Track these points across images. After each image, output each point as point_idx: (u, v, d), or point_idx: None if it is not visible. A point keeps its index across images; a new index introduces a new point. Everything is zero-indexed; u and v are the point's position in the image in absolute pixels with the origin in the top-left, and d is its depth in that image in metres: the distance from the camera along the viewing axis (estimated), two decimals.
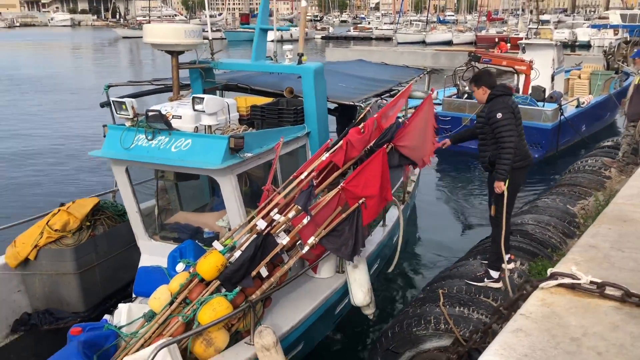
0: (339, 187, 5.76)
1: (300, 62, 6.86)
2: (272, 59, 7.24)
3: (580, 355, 3.06)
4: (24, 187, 14.16)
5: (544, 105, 16.19)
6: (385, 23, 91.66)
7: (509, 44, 36.67)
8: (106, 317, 5.83)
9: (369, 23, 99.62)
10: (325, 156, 5.88)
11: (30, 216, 7.34)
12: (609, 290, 3.65)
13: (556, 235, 7.93)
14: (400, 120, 6.23)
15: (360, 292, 6.43)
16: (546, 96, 17.10)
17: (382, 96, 8.24)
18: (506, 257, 6.13)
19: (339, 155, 5.84)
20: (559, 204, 9.26)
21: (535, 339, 3.23)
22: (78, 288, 7.00)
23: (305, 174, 5.77)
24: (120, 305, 5.69)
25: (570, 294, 3.73)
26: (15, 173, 15.54)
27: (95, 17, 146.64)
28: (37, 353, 6.48)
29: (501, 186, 5.80)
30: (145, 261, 6.58)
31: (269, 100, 7.73)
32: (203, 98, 5.65)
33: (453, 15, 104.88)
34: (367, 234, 7.27)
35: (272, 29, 7.21)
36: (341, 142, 5.87)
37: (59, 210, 7.14)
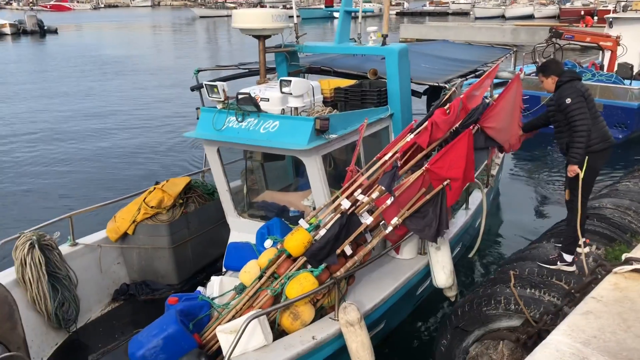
0: (424, 168, 5.77)
1: (384, 43, 6.87)
2: (355, 41, 7.29)
3: None
4: (120, 167, 15.09)
5: (630, 83, 15.25)
6: None
7: (595, 18, 34.27)
8: (199, 289, 6.18)
9: None
10: (409, 137, 5.89)
11: (128, 194, 7.86)
12: None
13: (636, 220, 7.70)
14: (487, 100, 6.11)
15: (443, 274, 6.45)
16: (634, 73, 16.14)
17: (467, 77, 8.09)
18: (581, 240, 6.05)
19: (423, 136, 5.84)
20: None
21: (605, 322, 3.19)
22: (172, 261, 7.45)
23: (389, 155, 5.81)
24: (212, 277, 6.02)
25: None
26: (110, 152, 16.57)
27: None
28: (135, 320, 6.96)
29: (575, 169, 5.75)
30: (234, 237, 6.88)
31: (351, 82, 7.80)
32: (290, 81, 5.80)
33: None
34: (451, 216, 7.22)
35: (357, 11, 7.24)
36: (426, 123, 5.86)
37: (155, 188, 7.60)
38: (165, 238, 7.34)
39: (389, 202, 5.59)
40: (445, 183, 5.78)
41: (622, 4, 23.46)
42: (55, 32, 62.09)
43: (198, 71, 8.39)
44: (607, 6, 30.13)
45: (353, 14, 7.39)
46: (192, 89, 8.18)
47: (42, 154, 16.48)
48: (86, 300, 6.98)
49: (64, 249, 6.97)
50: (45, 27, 61.83)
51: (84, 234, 7.49)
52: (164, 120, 20.47)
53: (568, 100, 5.69)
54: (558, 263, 6.24)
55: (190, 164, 14.16)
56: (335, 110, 6.75)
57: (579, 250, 6.19)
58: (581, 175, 5.77)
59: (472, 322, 5.74)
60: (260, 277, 5.46)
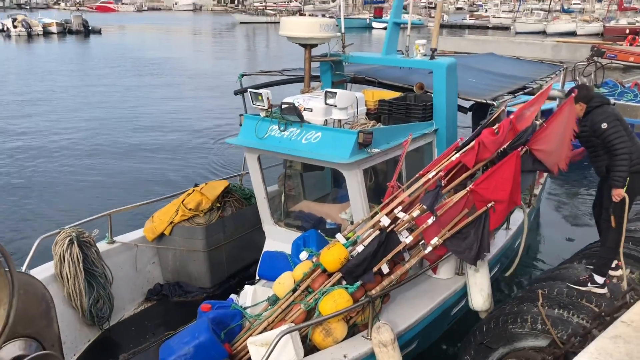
0: (468, 188, 5.61)
1: (432, 57, 6.73)
2: (403, 53, 7.17)
3: None
4: (159, 167, 15.26)
5: None
6: (503, 11, 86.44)
7: None
8: (232, 296, 6.15)
9: (486, 11, 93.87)
10: (455, 156, 5.74)
11: (166, 194, 7.91)
12: None
13: None
14: (537, 122, 5.90)
15: (480, 297, 6.29)
16: None
17: (516, 94, 7.85)
18: (621, 263, 6.07)
19: (469, 155, 5.67)
20: None
21: (634, 347, 3.15)
22: (206, 265, 7.46)
23: (432, 173, 5.67)
24: (246, 286, 5.98)
25: None
26: (150, 152, 16.80)
27: (215, 2, 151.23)
28: (167, 321, 6.99)
29: (620, 193, 5.77)
30: (269, 245, 6.84)
31: (396, 94, 7.67)
32: (335, 92, 5.72)
33: (579, 4, 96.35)
34: (492, 238, 7.03)
35: (405, 22, 7.12)
36: (473, 142, 5.70)
37: (193, 190, 7.63)
38: (201, 241, 7.35)
39: (430, 221, 5.45)
40: (489, 205, 5.61)
41: None
42: (99, 32, 63.63)
43: (242, 75, 8.38)
44: None
45: (401, 25, 7.28)
46: (236, 93, 8.17)
47: (84, 152, 16.77)
48: (120, 299, 7.04)
49: (102, 246, 7.05)
50: (90, 27, 63.39)
51: (123, 232, 7.57)
52: (204, 123, 20.64)
53: (604, 125, 5.75)
54: (588, 284, 6.16)
55: (228, 167, 14.25)
56: (379, 123, 6.64)
57: (611, 272, 6.21)
58: (627, 199, 5.77)
59: (497, 340, 5.68)
60: (294, 290, 5.39)
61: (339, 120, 5.92)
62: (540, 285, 6.39)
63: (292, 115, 5.76)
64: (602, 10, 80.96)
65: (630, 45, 30.02)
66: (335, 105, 5.76)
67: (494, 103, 6.77)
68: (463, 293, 6.50)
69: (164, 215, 7.47)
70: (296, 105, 6.00)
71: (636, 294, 3.93)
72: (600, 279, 6.14)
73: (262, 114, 6.15)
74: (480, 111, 7.47)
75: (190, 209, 7.35)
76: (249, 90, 6.12)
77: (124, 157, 16.27)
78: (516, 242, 8.27)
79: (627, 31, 47.41)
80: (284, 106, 5.82)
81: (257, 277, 6.55)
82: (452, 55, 12.28)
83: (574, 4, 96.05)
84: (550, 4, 76.41)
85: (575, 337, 4.98)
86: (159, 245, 7.53)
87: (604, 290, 6.08)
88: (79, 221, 6.88)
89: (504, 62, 11.45)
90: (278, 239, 6.73)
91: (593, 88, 6.52)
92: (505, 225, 8.06)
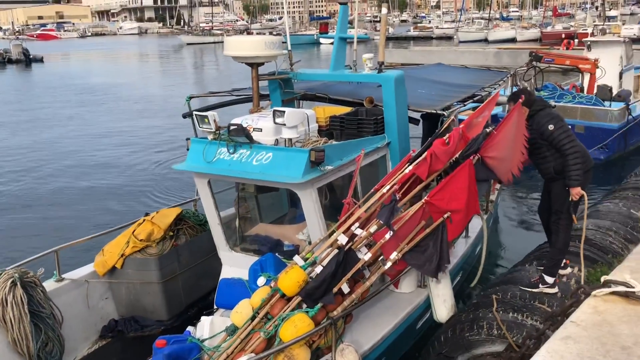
0: (423, 201, 5.55)
1: (380, 70, 6.69)
2: (351, 68, 7.12)
3: None
4: (109, 197, 14.66)
5: (610, 105, 15.57)
6: (446, 22, 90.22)
7: (576, 40, 35.06)
8: (189, 329, 5.88)
9: (430, 22, 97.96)
10: (408, 168, 5.67)
11: (116, 225, 7.59)
12: None
13: (617, 241, 7.76)
14: (487, 130, 5.91)
15: (444, 308, 6.22)
16: (614, 95, 16.36)
17: (466, 102, 7.90)
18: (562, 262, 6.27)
19: (422, 167, 5.62)
20: (622, 208, 9.00)
21: (584, 347, 3.18)
22: (162, 297, 7.16)
23: (387, 187, 5.58)
24: (203, 318, 5.73)
25: (624, 302, 3.66)
26: (97, 183, 16.14)
27: (161, 24, 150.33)
28: (125, 358, 6.69)
29: (579, 191, 5.86)
30: (226, 272, 6.62)
31: (347, 109, 7.60)
32: (284, 111, 5.60)
33: (517, 11, 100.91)
34: (452, 248, 7.00)
35: (351, 37, 7.07)
36: (425, 154, 5.65)
37: (144, 220, 7.34)
38: (155, 272, 7.06)
39: (387, 236, 5.35)
40: (445, 216, 5.56)
41: (600, 27, 23.90)
42: (41, 60, 61.67)
43: (190, 98, 8.16)
44: (586, 30, 30.85)
45: (348, 40, 7.23)
46: (184, 116, 7.95)
47: (23, 186, 15.95)
48: (72, 339, 6.67)
49: (49, 285, 6.68)
50: (31, 56, 61.23)
51: (72, 268, 7.21)
52: (153, 149, 19.99)
53: (551, 127, 5.83)
54: (540, 286, 6.24)
55: (180, 193, 13.77)
56: (331, 139, 6.55)
57: (560, 271, 6.37)
58: (585, 197, 5.90)
59: (456, 348, 5.69)
60: (252, 318, 5.18)
61: (290, 139, 5.79)
62: (494, 290, 6.44)
63: (240, 137, 5.60)
64: (539, 17, 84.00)
65: (567, 49, 31.35)
66: (285, 124, 5.63)
67: (444, 113, 6.77)
68: (427, 306, 6.42)
69: (114, 247, 7.16)
70: (245, 125, 5.85)
71: (584, 292, 3.94)
72: (550, 279, 6.23)
73: (210, 137, 5.96)
74: (430, 122, 7.48)
75: (141, 240, 7.07)
76: (194, 113, 5.93)
77: (68, 189, 15.53)
78: (476, 250, 8.28)
79: (563, 36, 49.19)
80: (231, 128, 5.65)
81: (215, 307, 6.31)
82: (400, 67, 12.40)
83: (513, 11, 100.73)
84: (490, 13, 79.34)
85: (530, 340, 5.01)
86: (110, 280, 7.19)
87: (555, 290, 6.18)
88: (22, 261, 6.51)
89: (452, 72, 11.59)
90: (235, 265, 6.51)
91: (534, 92, 6.63)
92: (464, 234, 8.07)
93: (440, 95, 8.35)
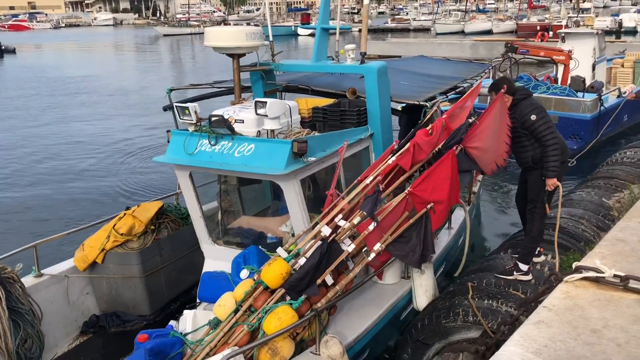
0: (406, 191, 5.54)
1: (362, 61, 6.65)
2: (333, 59, 7.07)
3: (600, 347, 3.10)
4: (88, 192, 14.41)
5: (583, 96, 15.89)
6: (423, 14, 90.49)
7: (550, 32, 35.56)
8: (172, 323, 5.82)
9: (407, 14, 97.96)
10: (391, 159, 5.66)
11: (97, 220, 7.47)
12: (632, 284, 3.68)
13: (589, 228, 7.95)
14: (470, 120, 5.91)
15: (425, 298, 6.31)
16: (587, 86, 16.70)
17: (448, 94, 7.90)
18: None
19: (405, 158, 5.60)
20: (594, 197, 9.21)
21: (555, 331, 3.27)
22: (143, 291, 7.07)
23: (370, 178, 5.56)
24: (185, 311, 5.67)
25: (594, 287, 3.78)
26: (77, 177, 15.83)
27: (136, 15, 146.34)
28: (106, 354, 6.59)
29: (555, 182, 5.95)
30: (209, 266, 6.55)
31: (330, 101, 7.56)
32: (265, 102, 5.53)
33: (493, 4, 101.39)
34: (435, 238, 7.02)
35: (333, 28, 7.02)
36: (408, 144, 5.63)
37: (125, 214, 7.23)
38: (136, 267, 6.96)
39: (371, 227, 5.33)
40: (429, 206, 5.56)
41: (574, 19, 24.27)
42: (13, 51, 60.44)
43: (171, 90, 8.07)
44: (561, 22, 31.50)
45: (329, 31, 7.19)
46: (165, 109, 7.83)
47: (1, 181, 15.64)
48: (52, 335, 6.57)
49: (28, 280, 6.58)
50: (3, 47, 59.68)
51: (52, 263, 7.08)
52: (133, 142, 19.59)
53: (533, 117, 5.85)
54: (514, 273, 6.33)
55: (162, 186, 13.55)
56: (314, 131, 6.51)
57: (534, 259, 6.49)
58: (561, 188, 6.03)
59: (432, 335, 5.79)
60: (236, 311, 5.14)
61: (272, 131, 5.73)
62: (470, 277, 6.54)
63: (221, 128, 5.53)
64: (515, 9, 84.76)
65: (542, 41, 32.07)
66: (267, 115, 5.57)
67: (427, 104, 6.76)
68: (410, 297, 6.44)
69: (94, 242, 7.03)
70: (226, 117, 5.77)
71: (556, 278, 4.08)
72: (524, 267, 6.33)
73: (191, 129, 5.88)
74: (412, 113, 7.47)
75: (122, 234, 6.95)
76: (175, 104, 5.84)
77: (46, 183, 15.22)
78: (459, 241, 8.31)
79: (538, 28, 49.82)
80: (213, 119, 5.58)
81: (197, 300, 6.25)
82: (378, 59, 12.38)
83: (489, 3, 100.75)
84: (466, 5, 79.90)
85: (504, 326, 5.13)
86: (91, 275, 7.08)
87: (529, 277, 6.28)
88: (0, 256, 6.37)
89: (434, 64, 11.60)
90: (218, 258, 6.45)
91: (513, 81, 6.69)
92: (447, 225, 8.10)
93: (422, 87, 8.34)
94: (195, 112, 5.74)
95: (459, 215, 8.38)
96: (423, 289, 6.31)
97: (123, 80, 38.15)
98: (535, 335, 3.24)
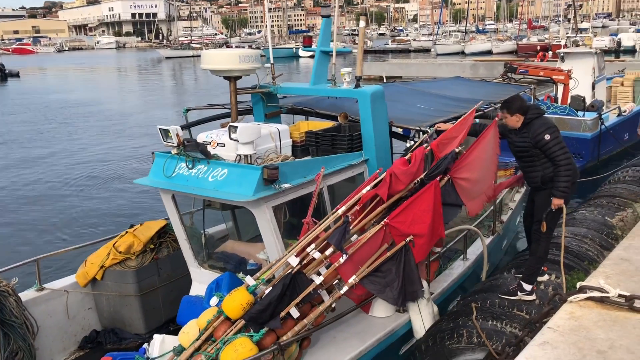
0: (382, 223, 5.26)
1: (357, 85, 6.45)
2: (332, 82, 6.91)
3: None
4: (95, 209, 14.70)
5: (584, 115, 15.97)
6: (423, 35, 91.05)
7: (550, 53, 34.98)
8: (145, 346, 5.80)
9: (407, 35, 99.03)
10: (366, 190, 5.40)
11: (101, 237, 7.63)
12: (637, 303, 3.62)
13: (593, 247, 7.89)
14: (456, 150, 5.56)
15: (423, 331, 6.03)
16: (587, 105, 16.64)
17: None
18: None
19: (382, 188, 5.33)
20: (597, 215, 9.10)
21: (561, 352, 3.23)
22: (139, 310, 7.10)
23: (343, 208, 5.32)
24: (155, 336, 5.64)
25: (599, 307, 3.74)
26: (87, 194, 16.19)
27: (139, 39, 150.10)
28: None
29: (561, 203, 5.83)
30: (195, 289, 6.53)
31: (332, 124, 7.39)
32: (237, 127, 5.45)
33: (493, 24, 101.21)
34: (433, 276, 6.69)
35: (332, 51, 6.88)
36: (384, 174, 5.36)
37: (127, 232, 7.34)
38: (132, 285, 7.02)
39: (342, 260, 5.09)
40: (407, 240, 5.24)
41: (572, 39, 24.32)
42: (17, 75, 61.49)
43: (187, 110, 8.20)
44: (560, 41, 30.79)
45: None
46: (182, 128, 7.94)
47: (9, 196, 16.12)
48: (47, 349, 6.71)
49: (29, 294, 6.75)
50: (7, 71, 60.77)
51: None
52: (146, 161, 19.19)
53: (547, 137, 5.70)
54: (518, 293, 6.23)
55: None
56: (308, 155, 6.36)
57: (538, 279, 6.38)
58: (564, 209, 5.89)
59: (437, 357, 5.68)
60: (197, 340, 5.03)
61: (245, 156, 5.63)
62: (473, 298, 6.45)
63: (194, 152, 5.49)
64: (514, 30, 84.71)
65: (542, 61, 31.84)
66: (238, 140, 5.48)
67: (428, 130, 6.44)
68: (407, 330, 6.13)
69: (95, 258, 7.17)
70: (209, 140, 5.75)
71: (561, 299, 3.99)
72: (528, 287, 6.21)
73: (173, 152, 5.89)
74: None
75: (120, 252, 7.05)
76: (158, 127, 5.87)
77: (59, 200, 15.63)
78: (480, 273, 7.84)
79: (538, 48, 50.19)
80: (186, 143, 5.56)
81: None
82: (380, 81, 12.06)
83: (488, 24, 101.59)
84: (466, 26, 79.70)
85: (509, 347, 5.04)
86: (91, 291, 7.22)
87: (533, 297, 6.19)
88: (1, 269, 6.61)
89: (467, 86, 11.18)
90: (203, 281, 6.40)
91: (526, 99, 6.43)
92: (462, 256, 7.70)
93: (438, 110, 8.01)
94: (177, 135, 5.75)
95: (479, 246, 7.93)
96: (419, 319, 6.05)
97: (128, 102, 38.52)
98: (541, 356, 3.23)
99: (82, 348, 7.13)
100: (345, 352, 5.48)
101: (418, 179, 5.44)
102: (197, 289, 6.44)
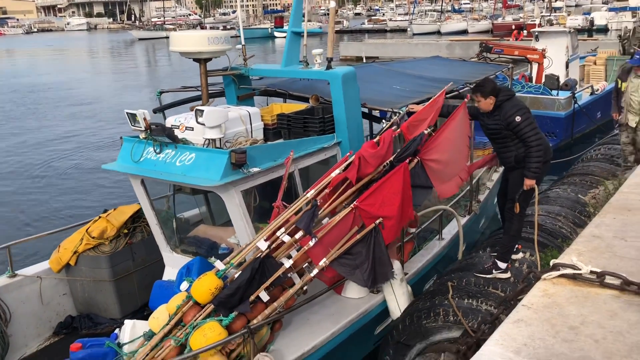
0: (352, 205, 5.25)
1: (329, 67, 6.39)
2: (303, 64, 6.83)
3: (578, 343, 3.13)
4: (69, 194, 14.53)
5: (557, 94, 16.12)
6: (399, 14, 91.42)
7: (525, 31, 35.22)
8: (116, 331, 5.79)
9: (383, 15, 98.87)
10: (335, 173, 5.38)
11: (75, 222, 7.56)
12: (608, 279, 3.69)
13: (566, 225, 7.97)
14: (425, 131, 5.54)
15: (398, 311, 6.09)
16: (560, 84, 16.82)
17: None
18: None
19: (351, 171, 5.32)
20: (570, 193, 9.25)
21: (535, 329, 3.30)
22: (114, 295, 7.08)
23: (312, 192, 5.31)
24: (126, 321, 5.62)
25: (572, 284, 3.79)
26: (60, 179, 16.00)
27: (110, 20, 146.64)
28: None
29: (532, 184, 5.89)
30: (168, 274, 6.51)
31: (306, 106, 7.33)
32: (203, 110, 5.39)
33: (469, 4, 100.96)
34: (407, 257, 6.72)
35: (303, 32, 6.78)
36: (353, 157, 5.34)
37: (100, 217, 7.28)
38: (106, 270, 6.98)
39: (311, 243, 5.09)
40: (377, 222, 5.25)
41: (547, 18, 24.22)
42: None
43: (161, 93, 8.07)
44: (534, 21, 30.98)
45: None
46: (155, 112, 7.83)
47: None
48: (21, 335, 6.68)
49: (1, 280, 6.71)
50: None
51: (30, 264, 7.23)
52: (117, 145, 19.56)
53: (518, 118, 5.72)
54: (493, 271, 6.29)
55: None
56: (280, 139, 6.31)
57: (512, 256, 6.46)
58: (536, 189, 5.96)
59: (414, 336, 5.76)
60: (167, 325, 5.03)
61: (213, 140, 5.57)
62: (449, 277, 6.49)
63: (161, 137, 5.42)
64: (489, 9, 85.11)
65: (516, 39, 32.03)
66: (204, 124, 5.42)
67: (400, 111, 6.40)
68: (381, 311, 6.18)
69: (69, 244, 7.11)
70: (178, 124, 5.68)
71: (535, 276, 4.04)
72: (503, 265, 6.27)
73: (141, 136, 5.82)
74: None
75: (93, 237, 7.00)
76: (126, 112, 5.77)
77: (30, 186, 15.43)
78: (456, 252, 7.89)
79: (513, 27, 50.14)
80: (153, 127, 5.49)
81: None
82: (356, 62, 11.98)
83: (464, 3, 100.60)
84: (442, 5, 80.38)
85: (484, 324, 5.10)
86: (65, 277, 7.17)
87: (508, 275, 6.25)
88: None
89: (445, 65, 11.10)
90: (176, 266, 6.36)
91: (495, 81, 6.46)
92: (437, 236, 7.73)
93: (416, 92, 7.95)
94: (145, 119, 5.66)
95: (455, 226, 7.97)
96: (394, 300, 6.10)
97: (102, 84, 37.89)
98: (515, 334, 3.26)
99: (57, 334, 7.10)
100: (318, 334, 5.50)
101: (387, 162, 5.43)
102: (170, 273, 6.42)
